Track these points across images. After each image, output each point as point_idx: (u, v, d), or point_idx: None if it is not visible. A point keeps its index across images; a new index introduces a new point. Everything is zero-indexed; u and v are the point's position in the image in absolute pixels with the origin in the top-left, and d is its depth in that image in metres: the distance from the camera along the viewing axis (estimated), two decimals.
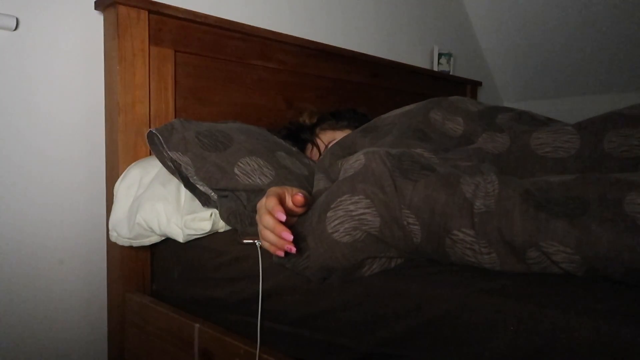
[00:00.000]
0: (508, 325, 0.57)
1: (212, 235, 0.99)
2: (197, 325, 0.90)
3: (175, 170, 0.99)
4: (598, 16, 2.16)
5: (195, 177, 0.97)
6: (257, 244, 0.87)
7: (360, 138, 0.95)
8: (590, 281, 0.61)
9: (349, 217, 0.69)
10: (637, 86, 2.28)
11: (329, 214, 0.70)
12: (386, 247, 0.71)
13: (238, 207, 0.94)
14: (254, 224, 0.92)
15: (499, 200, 0.65)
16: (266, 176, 0.94)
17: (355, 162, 0.75)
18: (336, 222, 0.69)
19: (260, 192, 0.92)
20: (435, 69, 2.23)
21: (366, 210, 0.68)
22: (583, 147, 0.82)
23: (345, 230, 0.68)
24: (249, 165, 0.95)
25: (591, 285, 0.60)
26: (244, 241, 0.90)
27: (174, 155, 0.96)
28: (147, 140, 1.02)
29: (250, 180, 0.93)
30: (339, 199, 0.70)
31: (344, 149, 0.92)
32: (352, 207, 0.69)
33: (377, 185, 0.69)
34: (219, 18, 1.30)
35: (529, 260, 0.63)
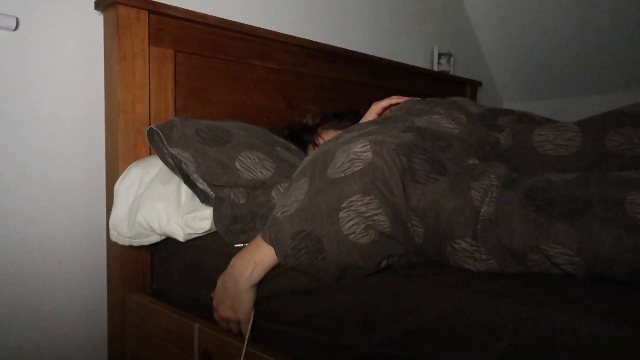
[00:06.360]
0: (508, 325, 0.57)
1: (213, 235, 0.99)
2: (197, 325, 0.90)
3: (175, 167, 0.99)
4: (598, 16, 2.16)
5: (195, 175, 0.97)
6: None
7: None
8: (590, 281, 0.61)
9: (362, 217, 0.69)
10: (637, 86, 2.27)
11: (341, 215, 0.69)
12: (398, 245, 0.72)
13: (234, 210, 0.94)
14: (245, 230, 0.92)
15: (498, 204, 0.66)
16: (267, 169, 0.94)
17: (362, 151, 0.71)
18: (351, 222, 0.69)
19: (261, 186, 0.92)
20: (435, 69, 2.23)
21: (377, 211, 0.69)
22: (584, 145, 0.82)
23: (361, 232, 0.69)
24: (250, 158, 0.95)
25: (591, 285, 0.60)
26: (235, 245, 0.91)
27: (174, 151, 0.96)
28: (147, 137, 1.02)
29: (252, 175, 0.93)
30: (349, 199, 0.69)
31: None
32: (363, 209, 0.68)
33: (386, 186, 0.68)
34: (219, 18, 1.30)
35: (529, 263, 0.63)
